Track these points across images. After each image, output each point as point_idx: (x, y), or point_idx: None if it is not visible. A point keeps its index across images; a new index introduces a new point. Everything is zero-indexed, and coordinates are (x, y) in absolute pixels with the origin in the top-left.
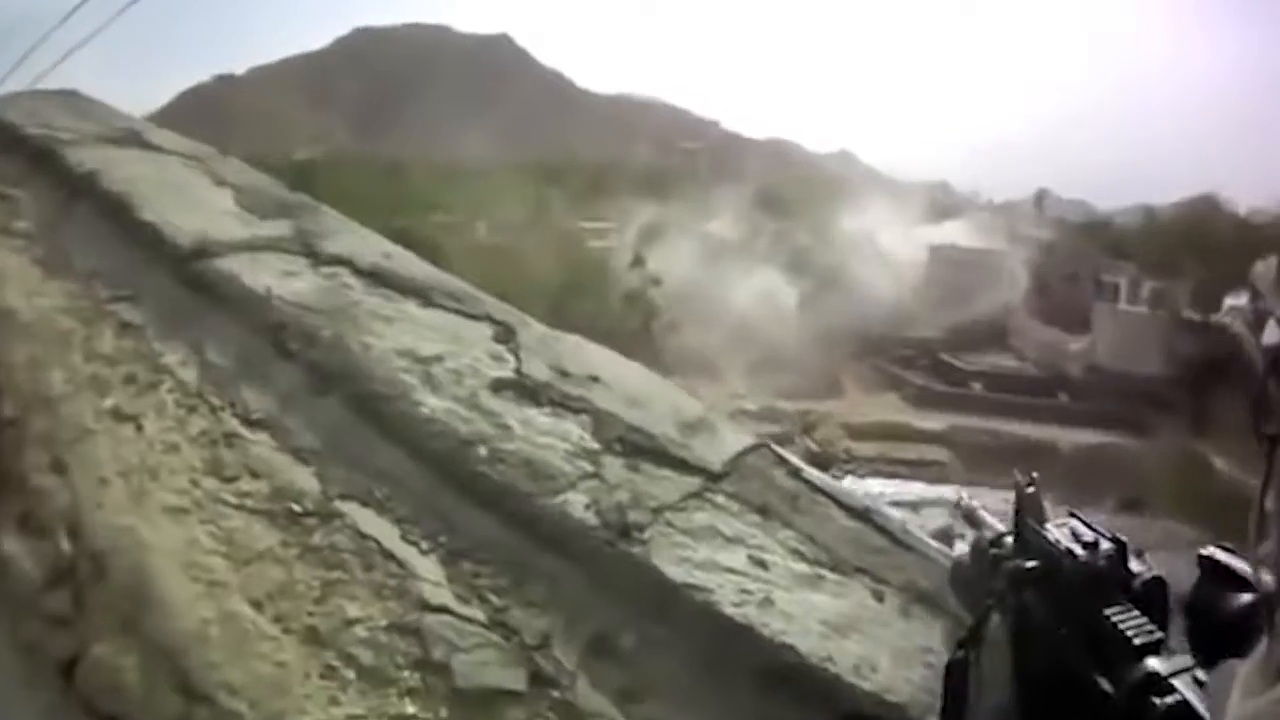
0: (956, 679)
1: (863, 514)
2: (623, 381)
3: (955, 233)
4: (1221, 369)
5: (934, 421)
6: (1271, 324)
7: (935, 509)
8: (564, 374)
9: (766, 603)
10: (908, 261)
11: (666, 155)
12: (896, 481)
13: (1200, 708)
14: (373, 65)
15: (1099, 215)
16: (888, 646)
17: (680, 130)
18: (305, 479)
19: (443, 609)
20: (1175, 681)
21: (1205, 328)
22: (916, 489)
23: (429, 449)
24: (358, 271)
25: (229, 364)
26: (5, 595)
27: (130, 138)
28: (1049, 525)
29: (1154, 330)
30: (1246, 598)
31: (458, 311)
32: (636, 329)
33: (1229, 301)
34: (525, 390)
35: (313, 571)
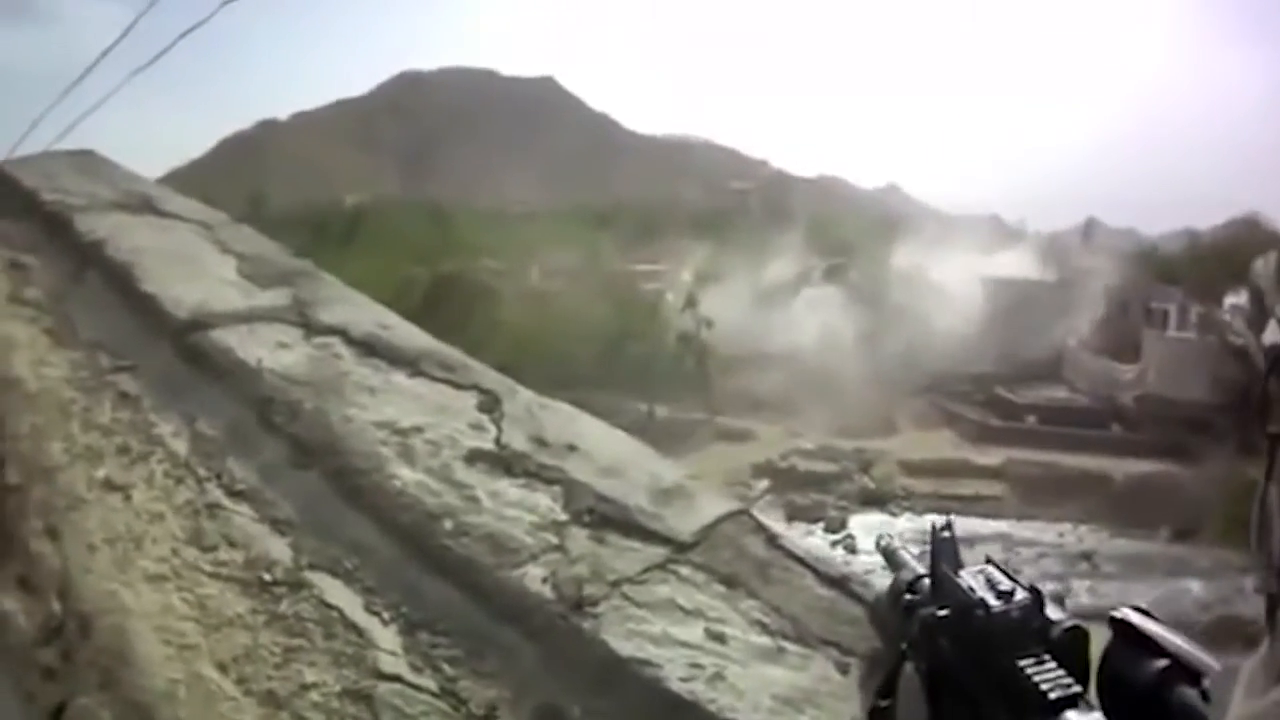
0: None
1: (839, 582)
2: (602, 450)
3: (1007, 265)
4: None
5: (989, 456)
6: (1272, 323)
7: (991, 544)
8: (542, 444)
9: (717, 678)
10: (961, 295)
11: (716, 196)
12: (953, 518)
13: None
14: (417, 110)
15: (1146, 241)
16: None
17: (729, 170)
18: (280, 549)
19: (395, 678)
20: None
21: (1245, 351)
22: (972, 525)
23: (398, 521)
24: (350, 341)
25: (218, 435)
26: (5, 648)
27: (143, 203)
28: (964, 572)
29: (1204, 355)
30: (1160, 664)
31: (446, 381)
32: (690, 371)
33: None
34: (500, 461)
35: (277, 638)
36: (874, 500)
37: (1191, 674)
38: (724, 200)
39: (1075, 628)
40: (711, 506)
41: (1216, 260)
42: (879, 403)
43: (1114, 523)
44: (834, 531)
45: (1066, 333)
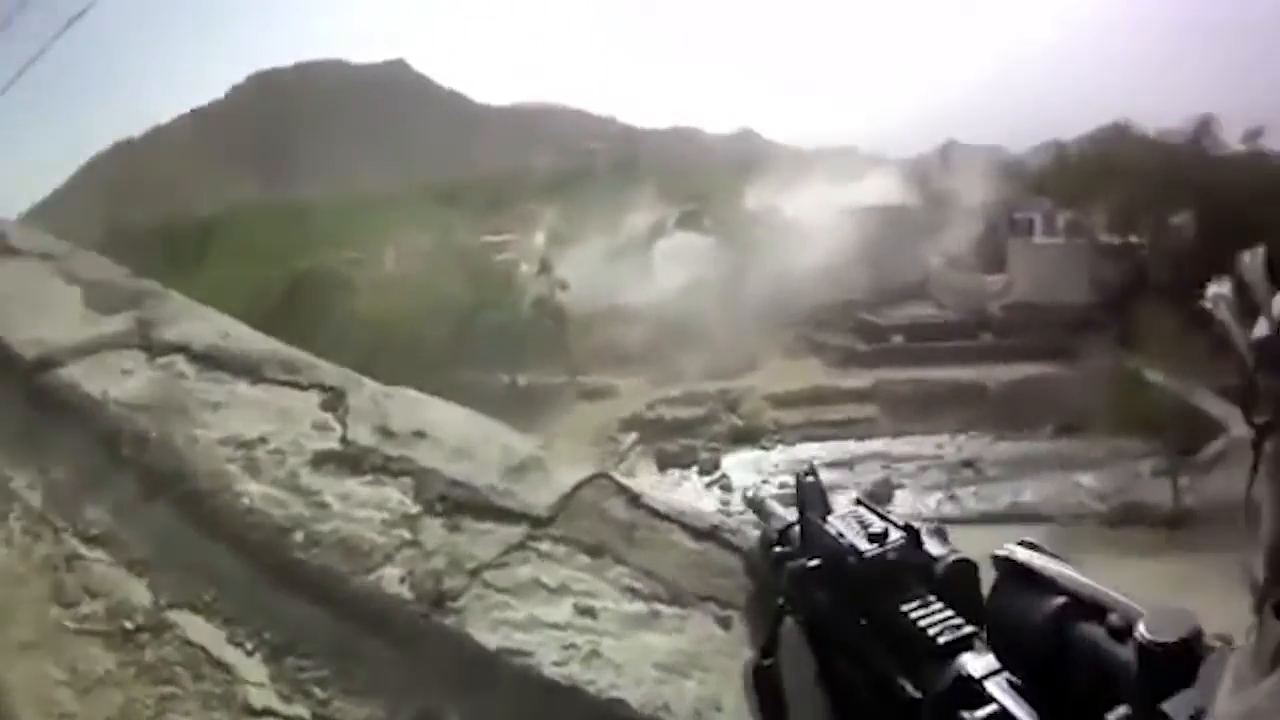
0: (765, 688)
1: (709, 534)
2: (450, 433)
3: (867, 194)
4: (1141, 286)
5: (858, 380)
6: (1261, 319)
7: (870, 464)
8: (389, 434)
9: (593, 655)
10: (820, 228)
11: (567, 159)
12: (829, 444)
13: (1019, 712)
14: (270, 110)
15: (1010, 158)
16: (734, 680)
17: (579, 132)
18: (139, 592)
19: (266, 711)
20: (989, 685)
21: (1123, 249)
22: (849, 447)
23: (249, 541)
24: (193, 357)
25: (71, 479)
26: None
27: None
28: (833, 516)
29: (1072, 259)
30: (1055, 601)
31: (289, 384)
32: (549, 335)
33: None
34: (347, 460)
35: (148, 690)
36: (745, 438)
37: (1091, 610)
38: (575, 162)
39: (959, 562)
40: (567, 475)
41: (1084, 168)
42: (741, 342)
43: (994, 428)
44: (708, 474)
45: (931, 254)
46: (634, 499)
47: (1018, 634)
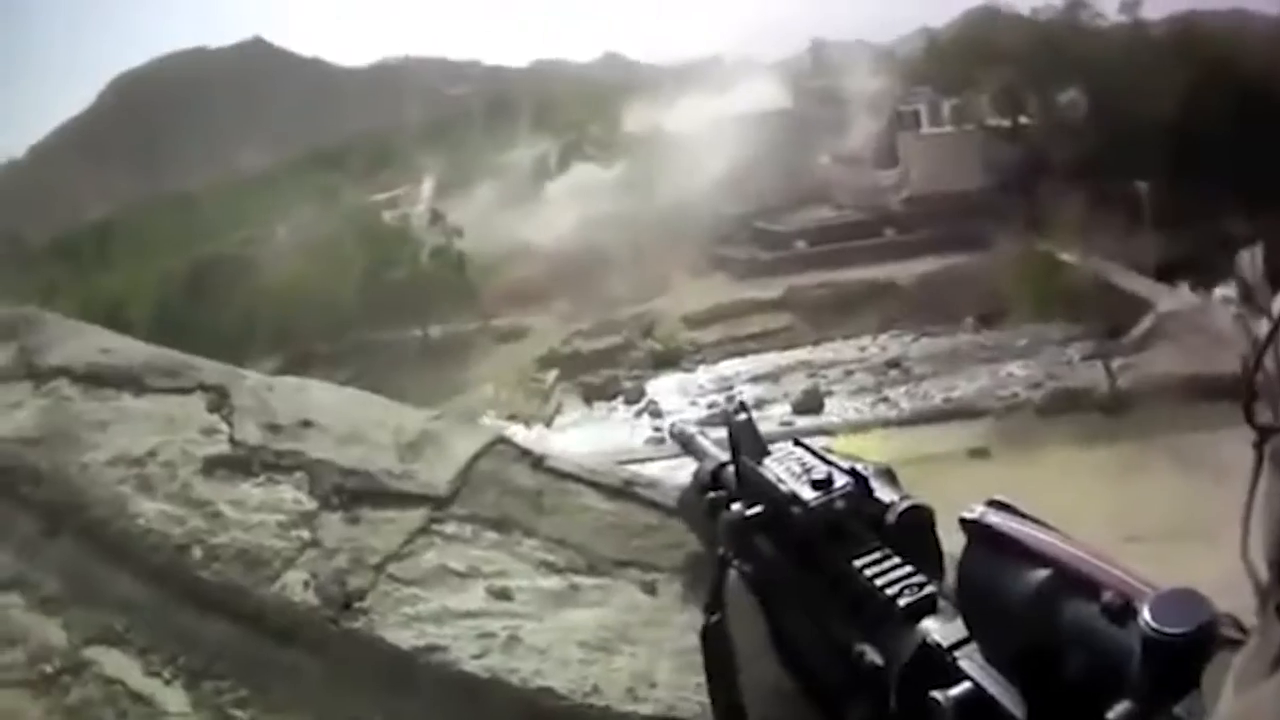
0: (714, 648)
1: (622, 491)
2: (338, 418)
3: (740, 102)
4: (1040, 168)
5: (768, 290)
6: (1263, 320)
7: (795, 374)
8: (276, 429)
9: (513, 641)
10: (701, 141)
11: (436, 108)
12: (750, 358)
13: (998, 693)
14: (139, 108)
15: (881, 49)
16: (667, 650)
17: (444, 79)
18: (54, 632)
19: None
20: (961, 659)
21: (1014, 131)
22: (771, 359)
23: (151, 564)
24: (75, 378)
25: None
26: None
27: None
28: (771, 459)
29: (963, 146)
30: (1038, 574)
31: (172, 390)
32: (453, 283)
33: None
34: (238, 463)
35: None
36: (665, 361)
37: (1082, 584)
38: (445, 110)
39: (913, 508)
40: (464, 445)
41: (960, 54)
42: (645, 266)
43: (914, 325)
44: (634, 402)
45: (819, 155)
46: (537, 462)
47: (995, 610)
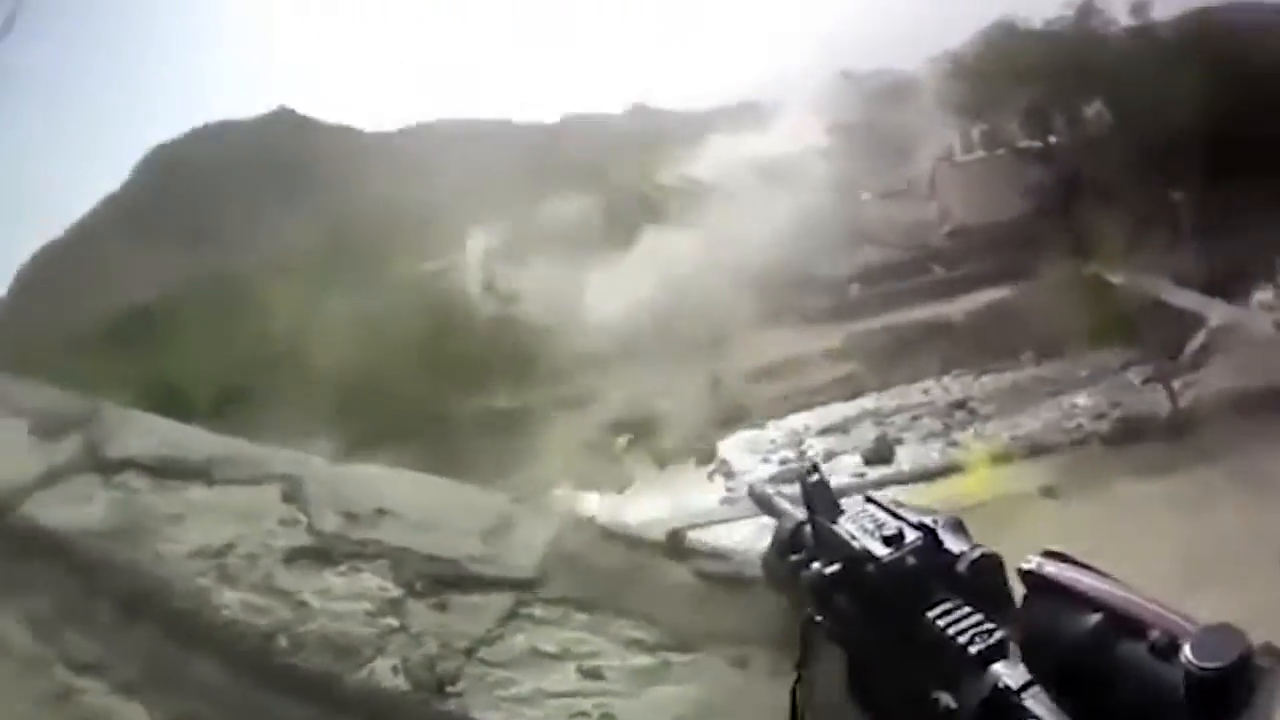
0: (799, 701)
1: (705, 563)
2: (411, 504)
3: (774, 146)
4: (1075, 188)
5: (828, 339)
6: None
7: (862, 422)
8: (352, 517)
9: (606, 719)
10: (739, 188)
11: (472, 169)
12: (816, 410)
13: None
14: (177, 182)
15: (906, 77)
16: None
17: (476, 140)
18: (137, 715)
19: None
20: (1028, 699)
21: (1046, 152)
22: (838, 410)
23: (236, 652)
24: (143, 470)
25: (54, 613)
26: None
27: None
28: (844, 517)
29: (999, 171)
30: (1091, 619)
31: (245, 480)
32: (512, 350)
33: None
34: (318, 553)
35: None
36: (733, 418)
37: (1131, 625)
38: (480, 172)
39: (982, 557)
40: (544, 524)
41: (984, 74)
42: (701, 322)
43: (974, 363)
44: (706, 463)
45: (860, 192)
46: (613, 534)
47: (1054, 653)
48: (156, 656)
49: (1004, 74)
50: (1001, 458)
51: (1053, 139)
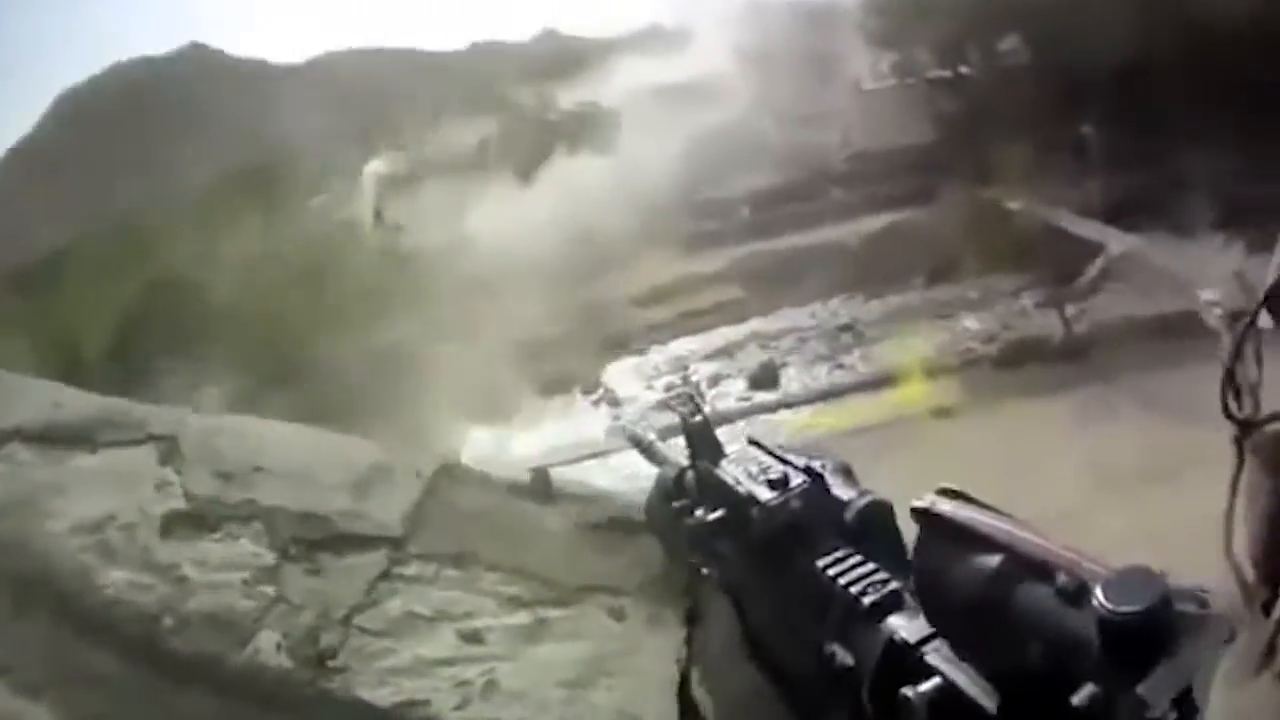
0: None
1: (580, 507)
2: (287, 458)
3: (678, 72)
4: (986, 117)
5: (714, 261)
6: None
7: (748, 347)
8: (227, 477)
9: (490, 688)
10: (640, 114)
11: (379, 100)
12: (701, 335)
13: (967, 686)
14: (85, 125)
15: (817, 8)
16: (647, 679)
17: (384, 69)
18: (41, 718)
19: None
20: (929, 654)
21: (957, 82)
22: (723, 334)
23: (125, 636)
24: (28, 439)
25: None
26: None
27: None
28: (728, 461)
29: (906, 100)
30: (991, 560)
31: (123, 442)
32: (399, 285)
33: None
34: (194, 519)
35: None
36: (617, 344)
37: (1035, 568)
38: (386, 102)
39: (871, 504)
40: (416, 473)
41: (897, 6)
42: (590, 248)
43: (864, 287)
44: (591, 392)
45: (761, 117)
46: (483, 480)
47: (952, 599)
48: (53, 649)
49: (920, 5)
50: (901, 376)
51: (965, 70)
